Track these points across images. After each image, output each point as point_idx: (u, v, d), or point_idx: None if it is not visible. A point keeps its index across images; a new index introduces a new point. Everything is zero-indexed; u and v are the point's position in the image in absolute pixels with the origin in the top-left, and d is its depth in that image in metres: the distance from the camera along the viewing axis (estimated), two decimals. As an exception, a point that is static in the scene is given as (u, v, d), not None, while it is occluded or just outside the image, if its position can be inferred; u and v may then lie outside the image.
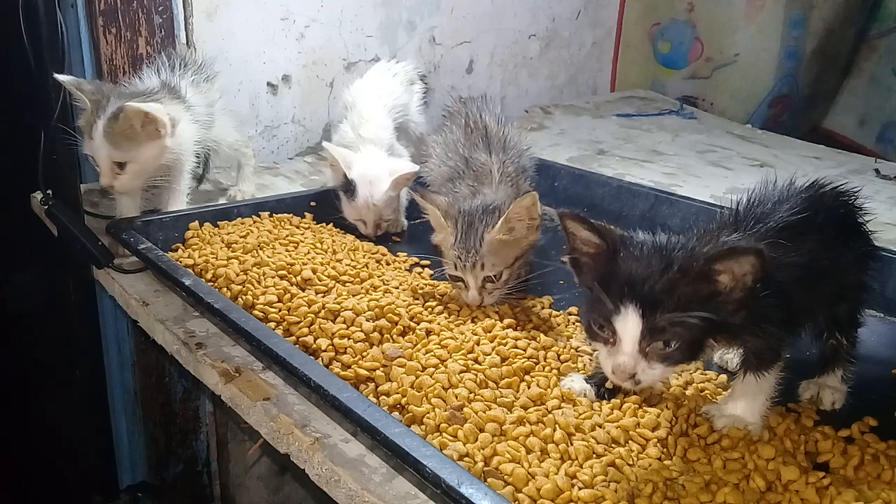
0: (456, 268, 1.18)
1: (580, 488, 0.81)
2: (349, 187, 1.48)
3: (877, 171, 2.00)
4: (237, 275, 1.20)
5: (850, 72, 2.62)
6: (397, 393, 0.95)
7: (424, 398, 0.94)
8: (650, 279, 0.78)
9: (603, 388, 1.00)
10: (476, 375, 0.98)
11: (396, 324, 1.10)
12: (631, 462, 0.87)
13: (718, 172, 1.98)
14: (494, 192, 1.28)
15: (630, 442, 0.91)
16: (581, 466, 0.84)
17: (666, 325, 0.78)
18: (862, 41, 2.58)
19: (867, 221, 1.00)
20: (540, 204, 1.19)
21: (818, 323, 0.99)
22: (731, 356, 1.08)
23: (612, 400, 0.98)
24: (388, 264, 1.37)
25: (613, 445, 0.89)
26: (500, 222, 1.15)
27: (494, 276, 1.17)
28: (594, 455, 0.87)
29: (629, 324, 0.79)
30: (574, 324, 1.18)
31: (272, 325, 1.10)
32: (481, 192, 1.28)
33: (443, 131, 1.49)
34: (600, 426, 0.92)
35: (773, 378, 0.92)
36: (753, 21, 2.51)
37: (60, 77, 1.31)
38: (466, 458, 0.84)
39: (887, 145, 2.53)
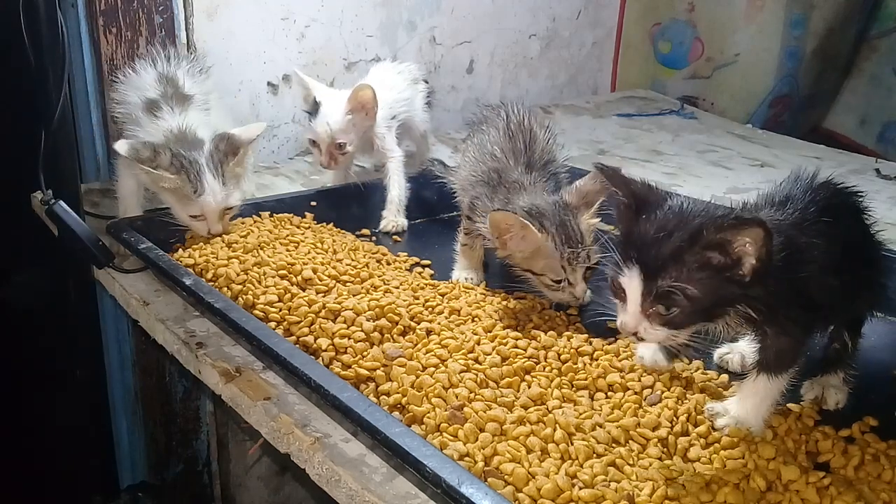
0: (564, 269, 1.16)
1: (580, 488, 0.80)
2: (313, 108, 1.51)
3: (877, 170, 2.00)
4: (237, 274, 1.20)
5: (850, 72, 2.62)
6: (398, 393, 0.95)
7: (425, 398, 0.94)
8: (656, 243, 0.79)
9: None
10: (476, 375, 0.98)
11: (397, 323, 1.10)
12: (631, 462, 0.87)
13: (719, 172, 1.98)
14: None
15: (630, 441, 0.91)
16: (581, 466, 0.84)
17: (667, 291, 0.79)
18: (862, 41, 2.58)
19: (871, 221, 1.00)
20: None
21: (833, 323, 0.98)
22: (731, 356, 1.08)
23: (613, 399, 0.98)
24: (388, 264, 1.37)
25: (614, 445, 0.89)
26: (595, 207, 1.16)
27: (594, 264, 1.17)
28: (594, 455, 0.87)
29: (632, 285, 0.81)
30: (574, 324, 1.18)
31: (272, 324, 1.10)
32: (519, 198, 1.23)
33: (476, 134, 1.40)
34: (601, 426, 0.92)
35: (784, 382, 0.91)
36: (754, 21, 2.51)
37: (117, 146, 1.30)
38: (467, 458, 0.84)
39: (888, 145, 2.54)
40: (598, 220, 1.16)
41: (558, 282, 1.18)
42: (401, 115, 1.67)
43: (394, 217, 1.56)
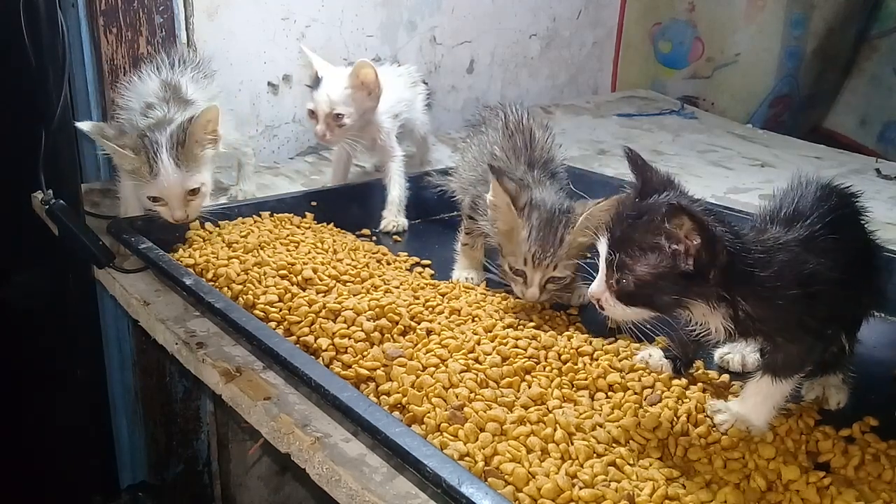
0: (525, 263, 1.15)
1: (581, 488, 0.80)
2: (315, 82, 1.52)
3: (878, 170, 2.00)
4: (238, 274, 1.20)
5: (850, 71, 2.62)
6: (398, 392, 0.95)
7: (425, 398, 0.94)
8: (623, 221, 0.88)
9: (679, 362, 1.02)
10: (476, 375, 0.98)
11: (397, 323, 1.10)
12: (631, 462, 0.87)
13: (719, 172, 1.98)
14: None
15: (631, 441, 0.91)
16: (582, 466, 0.84)
17: (619, 265, 0.86)
18: (863, 41, 2.58)
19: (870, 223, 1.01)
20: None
21: (842, 329, 0.99)
22: (732, 356, 1.08)
23: (613, 399, 0.98)
24: (388, 264, 1.37)
25: (614, 445, 0.89)
26: (579, 222, 1.14)
27: (562, 277, 1.16)
28: (595, 455, 0.87)
29: (602, 255, 0.89)
30: (574, 324, 1.18)
31: (273, 324, 1.10)
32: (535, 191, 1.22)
33: (475, 135, 1.41)
34: (601, 426, 0.92)
35: (789, 387, 0.92)
36: (754, 21, 2.51)
37: (80, 125, 1.29)
38: (467, 458, 0.84)
39: (888, 145, 2.53)
40: (584, 239, 1.14)
41: (516, 272, 1.18)
42: (401, 116, 1.67)
43: (394, 217, 1.56)
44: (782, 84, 2.53)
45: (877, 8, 2.55)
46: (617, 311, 0.89)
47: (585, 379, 1.01)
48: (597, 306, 0.91)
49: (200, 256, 1.26)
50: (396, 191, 1.58)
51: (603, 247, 0.88)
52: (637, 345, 1.09)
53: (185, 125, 1.29)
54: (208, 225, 1.38)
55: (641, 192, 0.91)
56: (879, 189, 1.84)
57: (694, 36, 2.63)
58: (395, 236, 1.54)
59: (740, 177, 1.94)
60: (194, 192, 1.32)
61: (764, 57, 2.51)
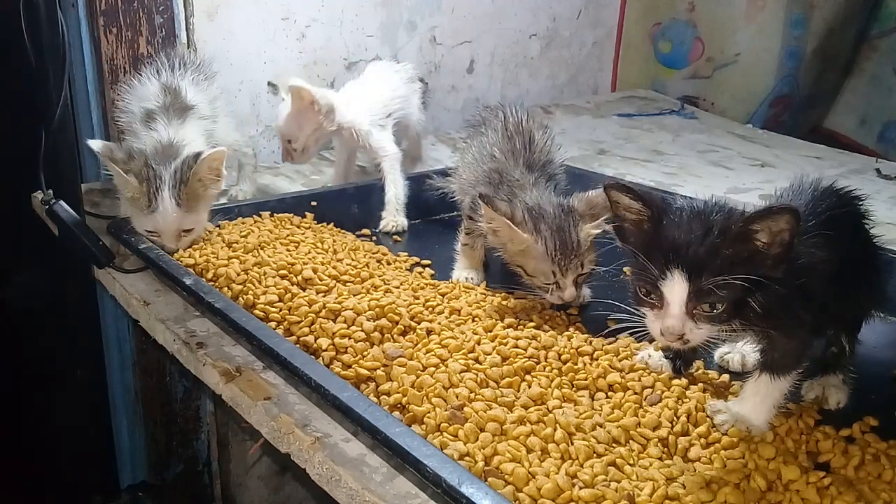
0: (555, 275, 1.15)
1: (581, 488, 0.80)
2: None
3: (878, 170, 2.00)
4: (238, 274, 1.20)
5: (850, 71, 2.62)
6: (398, 392, 0.95)
7: (425, 398, 0.94)
8: (693, 244, 0.81)
9: (679, 361, 1.02)
10: (477, 375, 0.98)
11: (397, 323, 1.10)
12: (631, 462, 0.87)
13: (719, 172, 1.98)
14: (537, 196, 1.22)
15: (631, 441, 0.90)
16: (582, 466, 0.84)
17: (711, 288, 0.80)
18: (863, 41, 2.58)
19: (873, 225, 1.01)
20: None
21: (836, 326, 0.99)
22: (732, 356, 1.08)
23: (613, 399, 0.98)
24: (388, 264, 1.37)
25: (614, 445, 0.89)
26: (601, 220, 1.15)
27: (588, 271, 1.18)
28: (595, 454, 0.87)
29: (676, 288, 0.82)
30: (574, 324, 1.18)
31: (273, 324, 1.10)
32: (526, 195, 1.22)
33: (475, 136, 1.41)
34: (601, 426, 0.92)
35: (787, 384, 0.92)
36: (754, 21, 2.51)
37: (91, 143, 1.29)
38: (467, 458, 0.84)
39: (888, 145, 2.53)
40: (600, 231, 1.15)
41: (547, 284, 1.18)
42: (396, 113, 1.67)
43: (393, 217, 1.56)
44: (782, 84, 2.53)
45: (877, 8, 2.54)
46: (703, 334, 0.84)
47: (585, 379, 1.01)
48: (673, 344, 0.86)
49: (200, 256, 1.26)
50: (393, 190, 1.58)
51: (672, 279, 0.81)
52: (637, 345, 1.09)
53: (189, 163, 1.27)
54: (208, 225, 1.38)
55: (659, 215, 0.85)
56: (879, 189, 1.84)
57: (694, 36, 2.63)
58: (395, 236, 1.54)
59: (740, 177, 1.94)
60: (189, 230, 1.31)
61: (764, 57, 2.51)
